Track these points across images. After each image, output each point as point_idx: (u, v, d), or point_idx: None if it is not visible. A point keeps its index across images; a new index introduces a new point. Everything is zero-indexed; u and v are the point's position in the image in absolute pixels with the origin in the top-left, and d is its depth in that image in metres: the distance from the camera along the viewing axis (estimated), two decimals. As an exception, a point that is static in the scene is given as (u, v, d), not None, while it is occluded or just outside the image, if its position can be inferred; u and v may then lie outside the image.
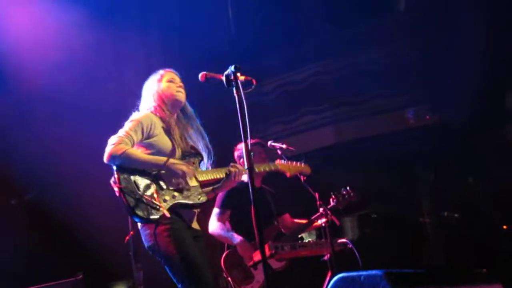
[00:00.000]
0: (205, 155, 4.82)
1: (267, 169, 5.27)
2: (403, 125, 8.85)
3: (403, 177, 8.86)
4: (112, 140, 4.36)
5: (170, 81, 4.74)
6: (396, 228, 8.45)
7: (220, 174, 4.72)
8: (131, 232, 6.50)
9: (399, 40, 8.81)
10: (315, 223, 6.28)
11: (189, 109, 4.86)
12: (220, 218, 6.43)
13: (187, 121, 4.82)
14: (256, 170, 4.79)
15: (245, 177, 6.41)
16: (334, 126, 9.44)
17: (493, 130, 8.02)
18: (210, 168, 4.78)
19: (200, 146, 4.83)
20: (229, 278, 6.27)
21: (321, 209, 6.07)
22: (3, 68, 7.87)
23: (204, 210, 6.20)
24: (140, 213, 4.23)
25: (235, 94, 3.98)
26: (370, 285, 3.55)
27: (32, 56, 7.85)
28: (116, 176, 4.28)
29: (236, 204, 6.27)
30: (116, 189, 4.26)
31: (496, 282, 4.15)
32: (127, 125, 4.50)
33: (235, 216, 6.43)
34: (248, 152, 3.91)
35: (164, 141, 4.55)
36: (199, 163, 4.75)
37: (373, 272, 3.61)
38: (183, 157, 4.63)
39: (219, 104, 6.92)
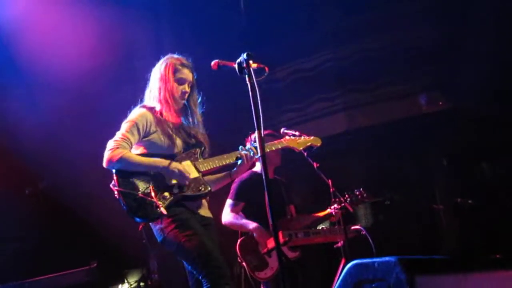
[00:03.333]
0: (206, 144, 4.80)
1: (274, 148, 5.13)
2: (416, 111, 8.80)
3: (416, 164, 8.82)
4: (110, 145, 4.42)
5: (181, 81, 4.69)
6: (410, 215, 8.43)
7: (228, 159, 4.70)
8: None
9: (411, 25, 8.74)
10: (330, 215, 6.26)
11: (195, 97, 4.81)
12: (234, 210, 6.44)
13: (189, 110, 4.78)
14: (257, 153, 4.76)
15: (258, 168, 6.44)
16: (346, 113, 9.40)
17: (506, 115, 7.95)
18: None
19: (201, 136, 4.82)
20: (244, 264, 6.29)
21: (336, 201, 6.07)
22: (15, 58, 7.90)
23: (218, 201, 6.23)
24: (140, 213, 4.31)
25: (247, 82, 3.97)
26: (384, 272, 3.55)
27: (44, 47, 7.87)
28: (115, 179, 4.34)
29: (250, 196, 6.28)
30: (115, 192, 4.32)
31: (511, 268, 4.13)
32: (124, 126, 4.53)
33: (249, 208, 6.44)
34: (261, 140, 3.89)
35: (162, 138, 4.57)
36: (201, 152, 4.73)
37: (387, 258, 3.60)
38: (185, 148, 4.65)
39: (232, 91, 6.90)
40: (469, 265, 3.92)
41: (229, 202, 6.47)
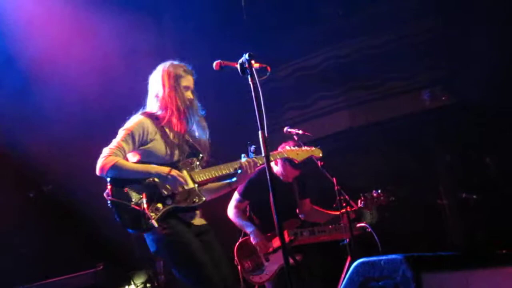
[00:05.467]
0: (205, 153, 4.77)
1: (273, 158, 5.07)
2: (419, 107, 8.78)
3: (420, 159, 8.81)
4: (104, 153, 4.42)
5: (187, 88, 4.68)
6: (414, 211, 8.42)
7: (225, 170, 4.66)
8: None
9: (414, 21, 8.74)
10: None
11: (195, 104, 4.75)
12: (238, 206, 6.46)
13: (190, 118, 4.69)
14: (260, 162, 4.73)
15: (276, 169, 6.43)
16: (349, 110, 9.39)
17: (511, 109, 7.93)
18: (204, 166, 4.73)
19: (201, 143, 4.78)
20: (239, 267, 6.30)
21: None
22: (17, 61, 7.91)
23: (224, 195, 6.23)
24: (132, 224, 4.31)
25: (250, 82, 3.97)
26: (390, 270, 3.55)
27: (46, 49, 7.88)
28: (109, 188, 4.33)
29: (256, 195, 6.28)
30: (108, 201, 4.32)
31: (517, 264, 4.12)
32: (119, 134, 4.52)
33: (255, 206, 6.44)
34: (264, 141, 3.90)
35: (159, 146, 4.54)
36: (199, 161, 4.71)
37: (393, 256, 3.60)
38: (182, 158, 4.62)
39: (236, 92, 6.90)
40: (475, 261, 3.92)
41: (236, 196, 6.47)
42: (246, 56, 4.01)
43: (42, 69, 7.90)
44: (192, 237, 4.43)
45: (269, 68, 4.07)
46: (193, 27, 8.93)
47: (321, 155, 5.35)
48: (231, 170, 4.68)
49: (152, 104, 4.69)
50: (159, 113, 4.62)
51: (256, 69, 3.99)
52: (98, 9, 8.06)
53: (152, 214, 4.28)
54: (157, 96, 4.67)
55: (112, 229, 7.79)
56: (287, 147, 5.28)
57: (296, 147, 5.30)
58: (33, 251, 8.07)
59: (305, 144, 5.66)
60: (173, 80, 4.64)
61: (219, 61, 4.23)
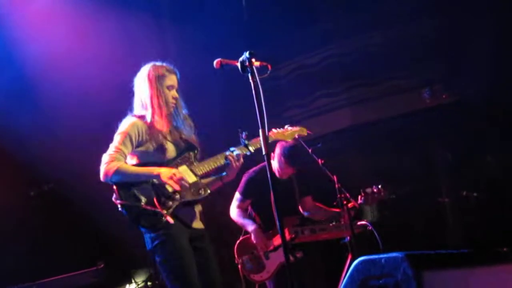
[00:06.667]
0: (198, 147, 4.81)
1: (259, 145, 5.02)
2: (420, 105, 8.78)
3: (421, 157, 8.81)
4: (105, 159, 4.45)
5: (170, 87, 4.69)
6: (415, 209, 8.42)
7: (220, 160, 4.73)
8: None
9: (414, 19, 8.73)
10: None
11: (180, 103, 4.78)
12: (240, 205, 6.45)
13: (176, 116, 4.75)
14: (252, 148, 4.76)
15: (274, 165, 6.41)
16: (350, 108, 9.39)
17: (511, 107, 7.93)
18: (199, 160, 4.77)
19: (193, 139, 4.81)
20: (239, 266, 6.30)
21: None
22: (18, 59, 7.92)
23: (224, 196, 6.23)
24: (145, 223, 4.40)
25: (250, 80, 3.97)
26: (391, 268, 3.54)
27: (47, 48, 7.89)
28: (116, 191, 4.38)
29: (257, 193, 6.28)
30: (119, 205, 4.37)
31: (518, 261, 4.12)
32: (116, 138, 4.54)
33: (256, 204, 6.44)
34: (265, 138, 3.90)
35: (155, 146, 4.58)
36: (195, 155, 4.75)
37: (394, 254, 3.59)
38: (178, 153, 4.66)
39: (236, 89, 6.90)
40: (476, 259, 3.91)
41: (237, 196, 6.47)
42: (246, 54, 4.00)
43: (43, 68, 7.91)
44: (186, 244, 4.50)
45: (270, 66, 4.07)
46: (194, 26, 8.93)
47: (305, 133, 5.43)
48: (225, 160, 4.71)
49: (139, 106, 4.72)
50: (146, 114, 4.65)
51: (256, 67, 3.99)
52: (99, 8, 8.06)
53: (164, 211, 4.35)
54: (142, 97, 4.70)
55: (113, 227, 7.82)
56: (273, 130, 5.22)
57: (280, 129, 5.28)
58: (34, 249, 8.07)
59: (305, 142, 5.67)
60: (155, 80, 4.66)
61: (219, 59, 4.22)
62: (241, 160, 4.75)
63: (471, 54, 8.00)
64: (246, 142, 4.77)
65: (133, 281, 8.29)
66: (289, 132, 5.29)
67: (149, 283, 8.15)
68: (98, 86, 7.98)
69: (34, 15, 7.89)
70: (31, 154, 8.01)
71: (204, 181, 4.77)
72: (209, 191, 4.62)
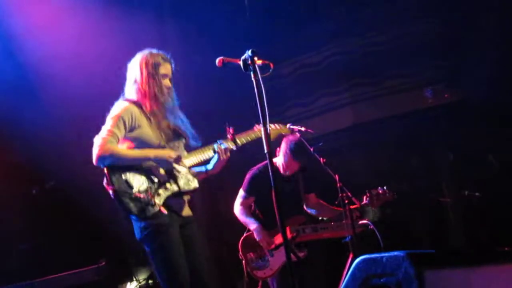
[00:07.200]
0: (189, 136, 4.78)
1: (245, 140, 4.96)
2: (422, 104, 8.78)
3: (423, 157, 8.81)
4: (97, 142, 4.40)
5: (165, 76, 4.67)
6: (417, 209, 8.42)
7: (208, 152, 4.72)
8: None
9: (416, 18, 8.73)
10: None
11: (172, 93, 4.75)
12: (243, 202, 6.45)
13: (167, 105, 4.70)
14: (239, 142, 4.78)
15: (275, 159, 6.41)
16: (352, 107, 9.39)
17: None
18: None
19: (182, 128, 4.78)
20: (244, 262, 6.31)
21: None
22: (19, 57, 7.92)
23: (225, 191, 6.21)
24: (136, 211, 4.32)
25: (252, 79, 3.97)
26: (393, 267, 3.54)
27: (48, 46, 7.89)
28: (107, 177, 4.32)
29: (260, 191, 6.27)
30: (110, 191, 4.31)
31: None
32: (109, 122, 4.50)
33: (260, 202, 6.44)
34: (267, 136, 3.90)
35: (146, 131, 4.54)
36: (184, 145, 4.74)
37: (395, 253, 3.59)
38: (167, 142, 4.63)
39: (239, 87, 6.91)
40: (478, 258, 3.91)
41: (241, 193, 6.47)
42: (249, 52, 4.01)
43: (43, 66, 7.91)
44: (176, 234, 4.49)
45: (272, 65, 4.07)
46: (196, 25, 8.93)
47: (288, 131, 5.53)
48: (212, 152, 4.71)
49: (131, 91, 4.68)
50: (138, 99, 4.62)
51: (259, 66, 3.99)
52: (100, 7, 8.06)
53: (156, 200, 4.34)
54: (135, 82, 4.66)
55: (114, 225, 7.83)
56: (257, 126, 5.08)
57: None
58: (36, 247, 8.08)
59: (307, 141, 5.67)
60: (151, 67, 4.62)
61: (222, 57, 4.22)
62: (228, 153, 4.74)
63: (473, 53, 8.00)
64: (234, 136, 4.77)
65: (134, 279, 8.29)
66: (273, 130, 5.33)
67: (150, 281, 8.16)
68: (102, 84, 7.98)
69: (39, 14, 7.87)
70: (34, 152, 8.01)
71: (191, 171, 4.77)
72: (197, 184, 4.61)
